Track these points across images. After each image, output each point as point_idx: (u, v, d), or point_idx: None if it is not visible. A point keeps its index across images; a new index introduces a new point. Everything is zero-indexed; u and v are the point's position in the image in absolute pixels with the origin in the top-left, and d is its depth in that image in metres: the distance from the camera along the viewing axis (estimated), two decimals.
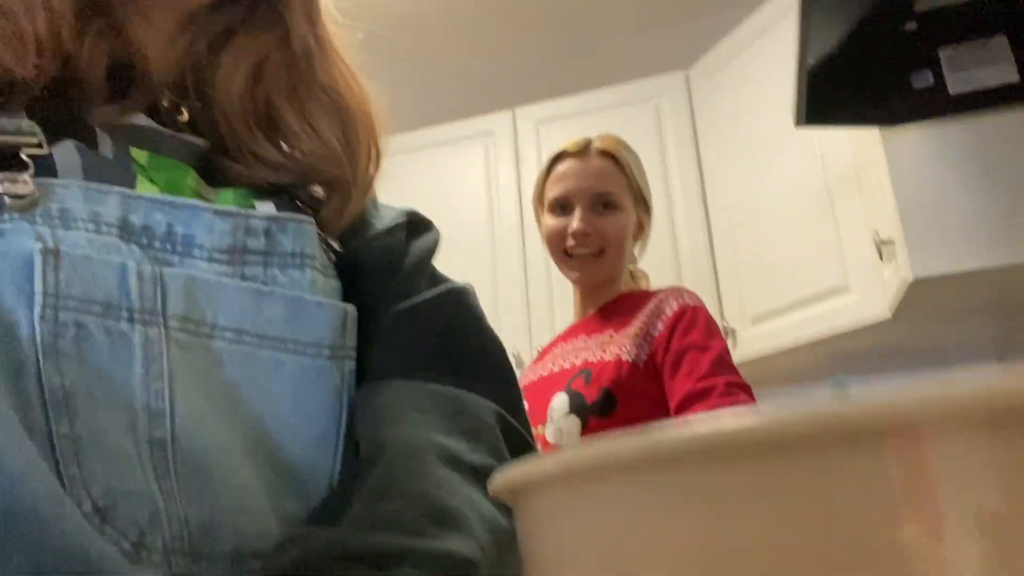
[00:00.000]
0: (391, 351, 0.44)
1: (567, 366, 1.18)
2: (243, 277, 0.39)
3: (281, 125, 0.46)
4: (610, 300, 1.22)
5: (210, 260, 0.38)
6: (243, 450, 0.37)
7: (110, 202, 0.36)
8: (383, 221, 0.50)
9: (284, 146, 0.46)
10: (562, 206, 1.21)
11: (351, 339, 0.42)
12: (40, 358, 0.32)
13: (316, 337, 0.40)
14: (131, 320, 0.34)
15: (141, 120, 0.41)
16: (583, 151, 1.23)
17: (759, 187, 1.91)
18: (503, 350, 0.48)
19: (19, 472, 0.29)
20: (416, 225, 0.52)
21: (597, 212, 1.19)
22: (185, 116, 0.46)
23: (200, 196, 0.42)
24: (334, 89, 0.48)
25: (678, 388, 1.06)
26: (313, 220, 0.42)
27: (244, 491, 0.36)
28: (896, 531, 0.13)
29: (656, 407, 1.08)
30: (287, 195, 0.45)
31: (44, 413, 0.32)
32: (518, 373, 1.54)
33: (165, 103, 0.45)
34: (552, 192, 1.23)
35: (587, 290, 1.25)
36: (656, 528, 0.16)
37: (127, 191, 0.37)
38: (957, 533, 0.13)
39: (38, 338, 0.32)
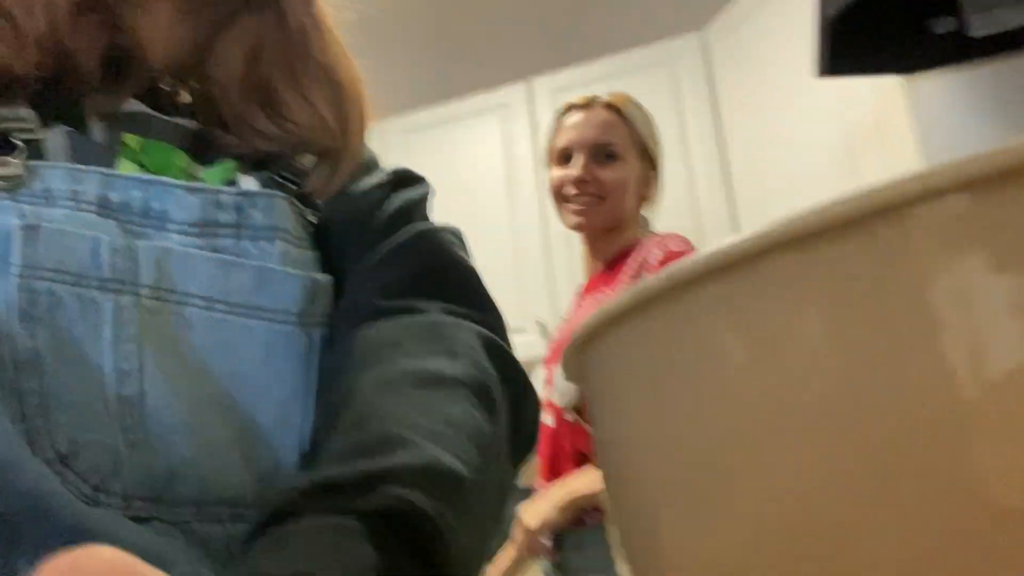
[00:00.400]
0: (367, 293, 0.45)
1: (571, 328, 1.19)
2: (215, 249, 0.41)
3: (277, 99, 0.48)
4: (613, 256, 1.22)
5: (183, 233, 0.41)
6: (213, 408, 0.40)
7: (90, 181, 0.39)
8: (366, 184, 0.52)
9: (281, 119, 0.48)
10: (566, 156, 1.23)
11: (321, 307, 0.44)
12: (15, 322, 0.35)
13: (283, 304, 0.42)
14: (102, 288, 0.38)
15: (133, 106, 0.44)
16: (588, 104, 1.25)
17: (778, 144, 1.89)
18: (480, 281, 0.50)
19: None
20: (402, 180, 0.53)
21: (598, 162, 1.21)
22: (187, 98, 0.48)
23: (189, 175, 0.44)
24: (328, 66, 0.50)
25: None
26: (286, 196, 0.45)
27: (212, 445, 0.39)
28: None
29: None
30: (271, 170, 0.47)
31: (15, 371, 0.35)
32: (544, 343, 1.55)
33: (164, 86, 0.48)
34: (558, 143, 1.25)
35: (591, 243, 1.25)
36: (728, 333, 0.18)
37: (106, 171, 0.40)
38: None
39: (15, 304, 0.35)
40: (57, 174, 0.39)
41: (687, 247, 1.16)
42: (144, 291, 0.39)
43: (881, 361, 0.16)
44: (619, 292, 0.21)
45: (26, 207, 0.37)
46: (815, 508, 0.16)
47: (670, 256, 1.12)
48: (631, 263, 1.16)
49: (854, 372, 0.16)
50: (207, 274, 0.41)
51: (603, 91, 1.24)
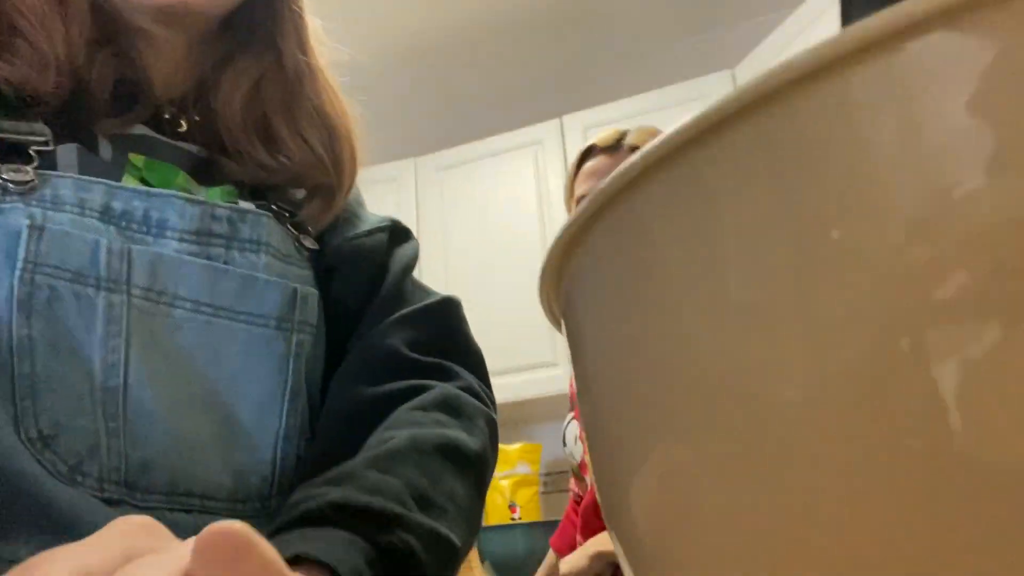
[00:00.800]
0: (401, 344, 0.51)
1: None
2: (208, 257, 0.46)
3: (275, 136, 0.54)
4: None
5: (180, 240, 0.45)
6: (193, 405, 0.43)
7: (96, 191, 0.44)
8: (366, 224, 0.57)
9: (278, 154, 0.54)
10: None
11: (301, 315, 0.49)
12: (13, 311, 0.39)
13: (265, 310, 0.47)
14: (97, 287, 0.41)
15: (139, 130, 0.50)
16: (613, 146, 1.20)
17: None
18: (481, 353, 0.57)
19: None
20: (398, 233, 0.59)
21: None
22: (184, 127, 0.53)
23: (188, 192, 0.49)
24: (321, 108, 0.56)
25: None
26: (271, 216, 0.50)
27: (188, 439, 0.42)
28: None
29: None
30: (267, 199, 0.53)
31: (9, 355, 0.38)
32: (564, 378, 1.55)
33: (167, 115, 0.52)
34: (579, 190, 1.21)
35: None
36: (742, 184, 0.16)
37: (112, 183, 0.44)
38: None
39: (15, 295, 0.39)
40: (66, 183, 0.43)
41: None
42: (136, 291, 0.43)
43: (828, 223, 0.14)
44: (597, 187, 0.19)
45: (35, 210, 0.41)
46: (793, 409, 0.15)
47: None
48: None
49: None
50: (197, 279, 0.45)
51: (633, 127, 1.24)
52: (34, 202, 0.41)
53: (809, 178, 0.15)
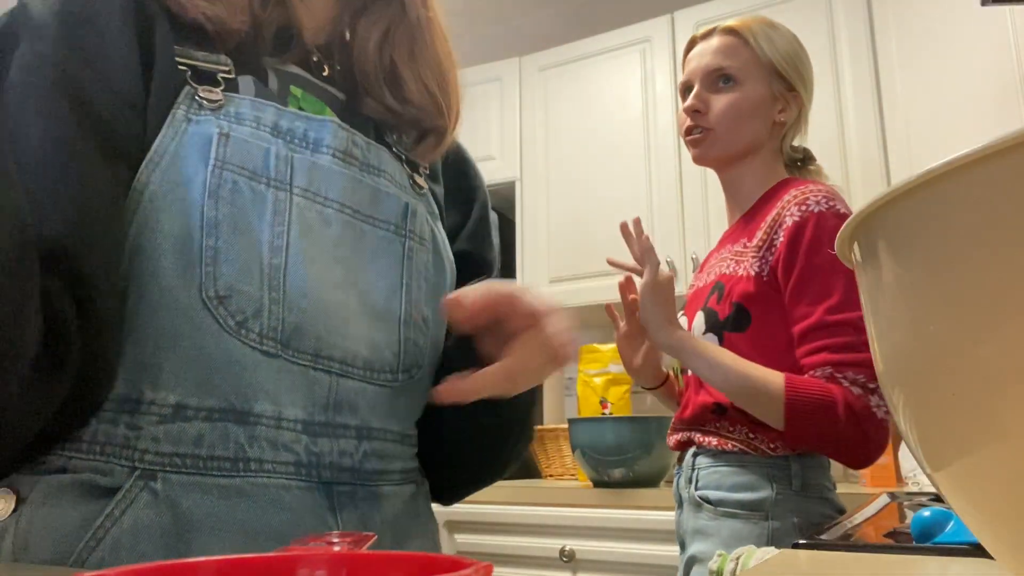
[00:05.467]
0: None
1: (709, 279, 1.16)
2: (349, 170, 0.57)
3: (401, 81, 0.64)
4: (751, 204, 1.16)
5: (332, 155, 0.56)
6: (339, 285, 0.54)
7: (268, 111, 0.54)
8: (478, 177, 0.74)
9: (402, 98, 0.65)
10: (688, 89, 1.19)
11: (411, 225, 0.60)
12: (205, 197, 0.49)
13: (386, 216, 0.59)
14: (268, 184, 0.52)
15: (296, 69, 0.61)
16: (709, 33, 1.19)
17: (940, 80, 1.76)
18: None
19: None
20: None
21: (714, 89, 1.15)
22: (326, 72, 0.64)
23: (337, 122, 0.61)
24: (436, 57, 0.66)
25: (802, 314, 1.00)
26: (388, 150, 0.62)
27: (334, 313, 0.53)
28: None
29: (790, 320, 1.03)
30: (387, 142, 0.64)
31: (200, 232, 0.48)
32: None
33: (315, 59, 0.63)
34: (681, 79, 1.22)
35: (723, 182, 1.21)
36: None
37: (280, 106, 0.55)
38: None
39: (207, 186, 0.49)
40: (245, 103, 0.54)
41: (829, 202, 1.03)
42: (297, 190, 0.53)
43: None
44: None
45: (223, 122, 0.52)
46: None
47: (805, 219, 1.01)
48: (769, 221, 1.07)
49: None
50: (342, 185, 0.56)
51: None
52: (222, 116, 0.52)
53: None
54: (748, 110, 1.14)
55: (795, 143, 1.21)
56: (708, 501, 1.06)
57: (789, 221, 1.03)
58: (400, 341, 0.57)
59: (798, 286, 1.01)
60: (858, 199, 1.84)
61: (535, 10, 2.78)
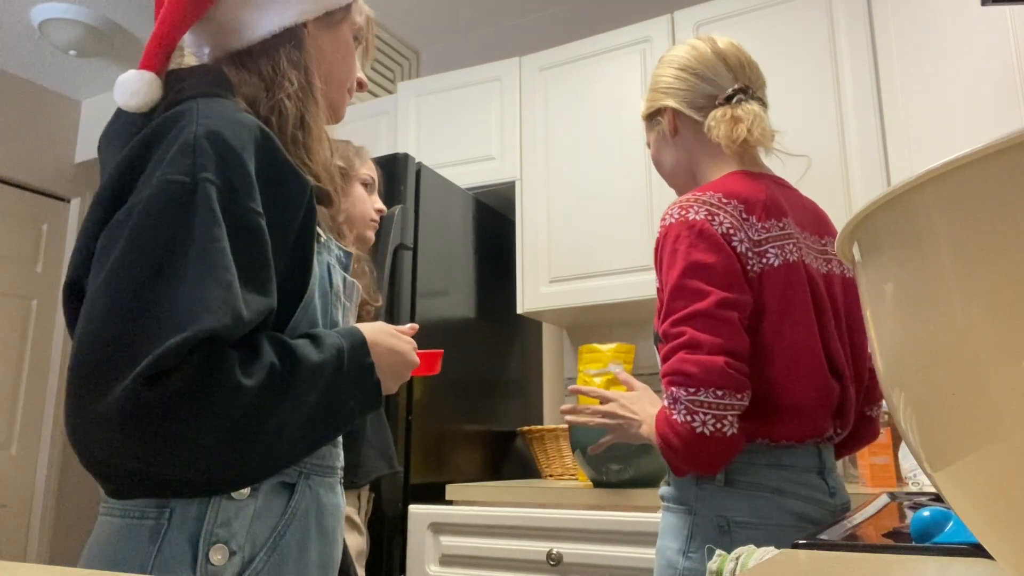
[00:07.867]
0: None
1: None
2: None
3: None
4: None
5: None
6: None
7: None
8: None
9: None
10: None
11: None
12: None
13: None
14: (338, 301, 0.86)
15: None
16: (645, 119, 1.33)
17: (940, 80, 1.76)
18: None
19: None
20: None
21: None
22: None
23: None
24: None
25: (658, 326, 1.07)
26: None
27: None
28: None
29: None
30: None
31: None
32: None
33: None
34: None
35: None
36: None
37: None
38: None
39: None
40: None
41: (681, 211, 1.06)
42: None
43: None
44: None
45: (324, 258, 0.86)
46: None
47: (661, 237, 1.08)
48: None
49: None
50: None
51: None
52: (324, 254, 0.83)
53: None
54: (656, 156, 1.27)
55: (753, 131, 1.12)
56: (662, 496, 1.15)
57: (658, 234, 1.11)
58: None
59: (659, 295, 1.09)
60: (858, 199, 1.84)
61: (535, 10, 2.78)
